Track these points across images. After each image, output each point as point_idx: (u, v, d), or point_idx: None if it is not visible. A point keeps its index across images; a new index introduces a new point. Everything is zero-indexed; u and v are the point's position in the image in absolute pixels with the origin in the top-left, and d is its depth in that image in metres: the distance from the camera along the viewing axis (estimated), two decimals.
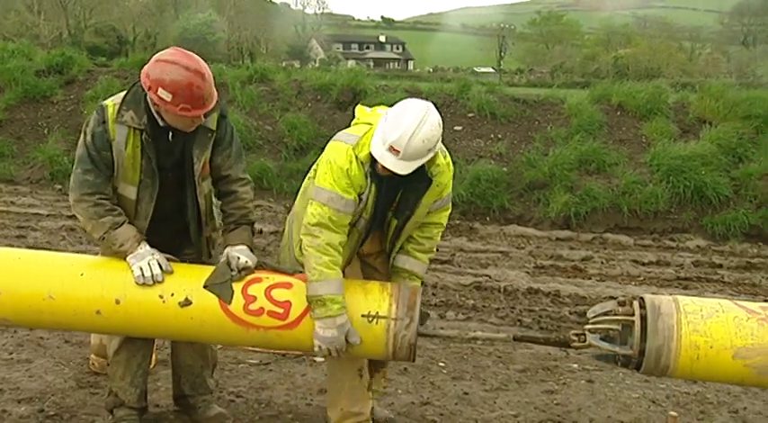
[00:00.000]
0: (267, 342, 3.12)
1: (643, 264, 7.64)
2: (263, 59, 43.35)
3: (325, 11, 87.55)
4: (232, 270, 3.13)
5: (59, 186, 10.10)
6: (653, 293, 3.26)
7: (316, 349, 2.98)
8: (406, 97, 11.64)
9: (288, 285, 3.06)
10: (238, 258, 3.17)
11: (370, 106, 3.36)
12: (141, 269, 3.07)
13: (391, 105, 3.05)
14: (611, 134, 10.41)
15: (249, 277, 3.11)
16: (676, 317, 2.84)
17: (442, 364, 4.72)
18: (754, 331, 2.76)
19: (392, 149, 2.86)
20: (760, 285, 7.05)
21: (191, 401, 3.62)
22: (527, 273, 7.08)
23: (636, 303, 2.96)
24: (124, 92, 3.19)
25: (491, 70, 66.54)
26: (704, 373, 2.85)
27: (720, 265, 7.70)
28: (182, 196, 3.30)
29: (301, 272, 3.10)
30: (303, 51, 65.72)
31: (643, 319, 2.89)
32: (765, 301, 6.34)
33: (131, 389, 3.43)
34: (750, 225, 8.84)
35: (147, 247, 3.15)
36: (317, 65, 50.27)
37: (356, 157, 2.99)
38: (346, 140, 3.07)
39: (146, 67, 3.04)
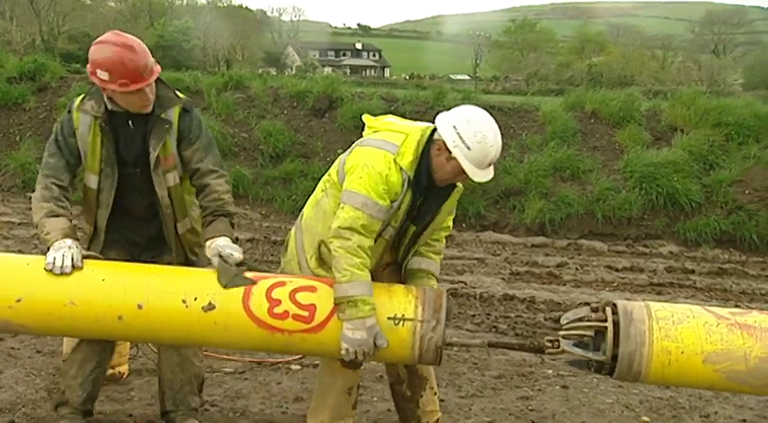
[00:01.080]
0: (291, 346, 3.06)
1: (617, 270, 7.72)
2: (239, 66, 43.19)
3: (302, 18, 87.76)
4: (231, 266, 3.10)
5: (31, 194, 9.97)
6: (626, 299, 3.29)
7: (343, 352, 2.92)
8: (382, 104, 11.71)
9: (312, 289, 3.01)
10: (232, 255, 3.13)
11: (375, 115, 3.35)
12: (54, 258, 3.03)
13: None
14: (585, 141, 10.52)
15: (273, 281, 3.06)
16: (648, 323, 2.87)
17: None
18: (723, 336, 2.80)
19: (487, 166, 3.00)
20: (731, 291, 7.15)
21: (171, 416, 3.56)
22: (503, 279, 7.12)
23: (608, 309, 2.98)
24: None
25: (467, 78, 66.95)
26: (675, 378, 2.88)
27: (693, 271, 7.80)
28: (151, 192, 3.33)
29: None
30: (279, 58, 65.59)
31: (615, 325, 2.91)
32: (736, 306, 6.44)
33: (79, 390, 3.37)
34: (721, 231, 8.97)
35: (70, 241, 3.10)
36: (293, 72, 50.20)
37: (395, 163, 2.98)
38: (382, 147, 3.04)
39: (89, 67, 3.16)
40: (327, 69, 56.05)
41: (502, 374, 4.75)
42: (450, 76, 67.55)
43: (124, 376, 4.23)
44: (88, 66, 3.12)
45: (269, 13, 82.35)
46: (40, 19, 46.00)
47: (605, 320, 2.95)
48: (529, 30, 73.63)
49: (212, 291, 3.01)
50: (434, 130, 3.06)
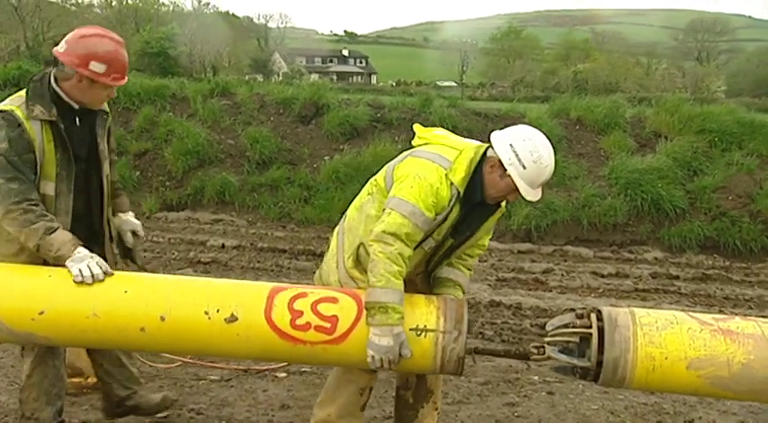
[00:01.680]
0: (313, 357, 3.05)
1: (602, 276, 7.76)
2: (225, 73, 43.16)
3: (288, 25, 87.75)
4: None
5: None
6: (611, 305, 3.31)
7: (369, 359, 2.91)
8: (368, 111, 11.71)
9: (334, 300, 3.01)
10: (139, 233, 3.62)
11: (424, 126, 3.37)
12: (80, 270, 2.99)
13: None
14: (570, 148, 10.58)
15: (295, 292, 3.06)
16: (632, 329, 2.88)
17: None
18: (707, 342, 2.82)
19: (539, 186, 3.03)
20: (715, 296, 7.20)
21: (130, 401, 3.63)
22: (489, 285, 7.14)
23: (593, 316, 3.00)
24: (15, 96, 3.19)
25: (454, 84, 67.17)
26: (660, 384, 2.90)
27: (677, 277, 7.85)
28: (90, 187, 3.36)
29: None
30: (266, 65, 65.54)
31: (600, 331, 2.93)
32: (720, 311, 6.50)
33: (47, 408, 3.36)
34: (705, 237, 9.04)
35: (85, 250, 3.07)
36: (280, 78, 50.16)
37: (446, 178, 3.01)
38: (435, 160, 3.06)
39: (64, 49, 3.09)
40: (314, 76, 56.10)
41: (488, 381, 4.76)
42: (437, 82, 67.81)
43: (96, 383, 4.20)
44: (75, 58, 3.05)
45: (255, 20, 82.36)
46: (24, 25, 45.73)
47: (590, 327, 2.96)
48: (515, 37, 74.02)
49: (235, 302, 3.00)
50: (488, 148, 3.09)
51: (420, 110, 11.45)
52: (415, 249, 3.05)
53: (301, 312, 2.97)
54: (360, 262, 3.17)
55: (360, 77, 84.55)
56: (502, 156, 2.98)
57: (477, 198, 3.08)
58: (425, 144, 3.21)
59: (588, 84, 47.84)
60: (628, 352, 2.85)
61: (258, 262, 7.76)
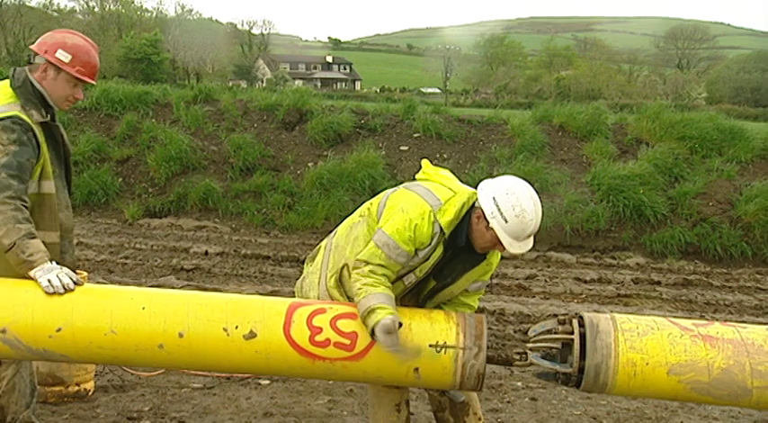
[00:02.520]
0: (333, 374, 3.02)
1: (585, 281, 7.80)
2: (209, 79, 43.05)
3: (272, 31, 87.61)
4: None
5: None
6: (594, 311, 3.32)
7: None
8: (352, 117, 11.74)
9: (353, 316, 2.97)
10: None
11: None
12: (50, 280, 2.96)
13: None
14: (553, 154, 10.64)
15: (314, 308, 3.03)
16: (614, 335, 2.89)
17: None
18: (687, 348, 2.84)
19: (526, 238, 3.00)
20: (696, 301, 7.26)
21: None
22: None
23: (575, 322, 3.01)
24: (2, 101, 3.21)
25: (437, 91, 67.38)
26: (641, 389, 2.91)
27: (659, 282, 7.91)
28: (70, 179, 3.50)
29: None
30: (250, 71, 65.42)
31: (582, 337, 2.94)
32: (701, 316, 6.55)
33: (26, 410, 3.42)
34: (686, 243, 9.12)
35: (55, 263, 3.06)
36: (263, 85, 50.09)
37: (434, 219, 3.00)
38: (425, 196, 3.06)
39: (40, 43, 3.27)
40: (298, 82, 56.02)
41: None
42: (421, 89, 67.97)
43: (89, 393, 4.17)
44: (44, 46, 3.21)
45: (239, 26, 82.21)
46: (5, 31, 45.42)
47: (572, 333, 2.98)
48: (498, 44, 74.38)
49: (253, 319, 2.97)
50: None
51: (404, 116, 11.48)
52: (394, 283, 3.05)
53: (320, 329, 2.94)
54: (342, 283, 3.17)
55: (344, 84, 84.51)
56: (485, 208, 2.97)
57: (462, 242, 3.07)
58: (426, 180, 3.22)
59: (571, 90, 48.18)
60: (609, 358, 2.86)
61: (242, 269, 7.74)
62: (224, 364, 3.07)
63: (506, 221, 2.93)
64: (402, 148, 10.85)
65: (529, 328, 3.25)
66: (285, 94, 12.70)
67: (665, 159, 10.18)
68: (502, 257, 3.29)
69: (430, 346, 2.91)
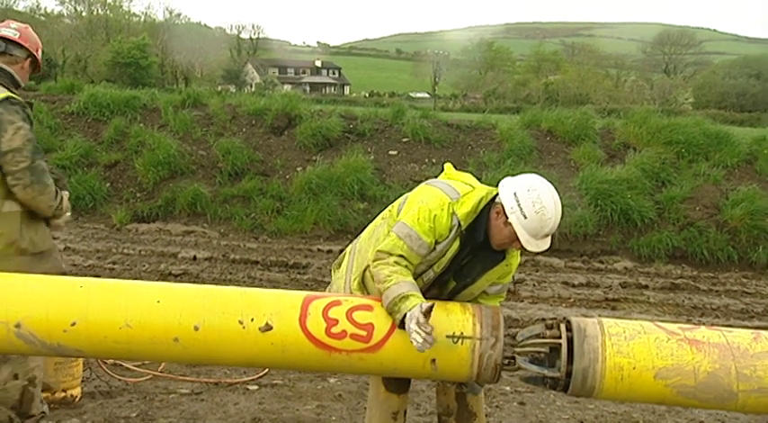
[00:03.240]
0: (349, 366, 2.99)
1: (573, 285, 7.83)
2: (198, 84, 42.93)
3: (261, 35, 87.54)
4: None
5: None
6: (582, 315, 3.34)
7: (417, 346, 2.78)
8: (341, 122, 11.76)
9: (369, 308, 2.96)
10: None
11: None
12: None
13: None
14: (541, 159, 10.69)
15: (329, 300, 3.02)
16: (601, 339, 2.91)
17: None
18: (673, 352, 2.85)
19: (544, 236, 2.98)
20: (683, 305, 7.31)
21: None
22: None
23: (563, 326, 3.02)
24: None
25: (426, 95, 67.51)
26: (628, 393, 2.92)
27: (646, 286, 7.95)
28: None
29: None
30: (239, 76, 65.33)
31: (569, 341, 2.95)
32: (688, 320, 6.59)
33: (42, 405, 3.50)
34: (674, 247, 9.18)
35: None
36: (252, 89, 50.03)
37: (452, 210, 3.02)
38: (445, 190, 3.09)
39: (18, 35, 3.43)
40: (287, 87, 56.01)
41: None
42: (410, 93, 68.07)
43: (76, 399, 4.14)
44: (34, 44, 3.48)
45: (228, 31, 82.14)
46: None
47: (560, 337, 2.99)
48: (486, 49, 74.66)
49: (269, 311, 2.95)
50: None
51: (392, 121, 11.50)
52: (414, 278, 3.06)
53: (336, 320, 2.92)
54: (364, 285, 3.19)
55: (333, 88, 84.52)
56: (505, 203, 2.98)
57: (480, 238, 3.07)
58: (447, 179, 3.26)
59: (559, 95, 48.39)
60: (596, 362, 2.87)
61: (230, 274, 7.72)
62: (239, 357, 3.04)
63: (525, 217, 2.93)
64: (391, 152, 10.87)
65: (517, 333, 3.25)
66: (274, 98, 12.68)
67: (652, 164, 10.25)
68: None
69: (446, 336, 2.89)
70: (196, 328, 2.91)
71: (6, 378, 3.36)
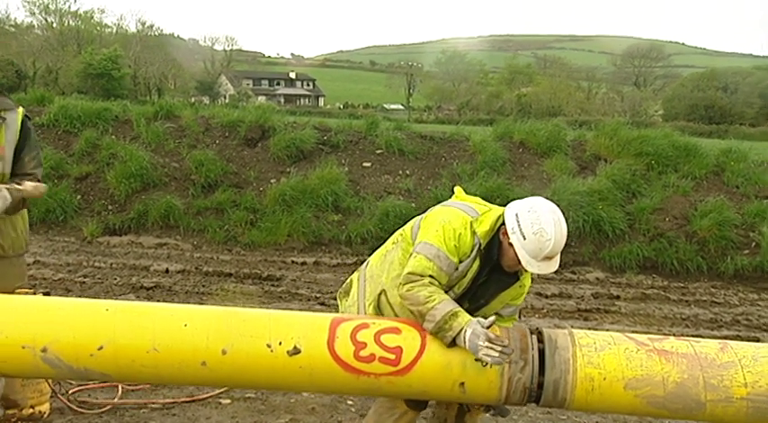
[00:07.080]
0: (377, 390, 2.98)
1: (546, 296, 7.88)
2: (171, 95, 42.65)
3: (235, 47, 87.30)
4: None
5: None
6: (555, 326, 3.37)
7: (488, 360, 2.79)
8: (315, 134, 11.73)
9: (397, 331, 2.96)
10: None
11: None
12: None
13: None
14: (514, 170, 10.77)
15: (357, 322, 3.00)
16: (572, 350, 2.94)
17: (350, 402, 4.71)
18: (643, 362, 2.89)
19: (546, 259, 2.97)
20: (653, 316, 7.39)
21: None
22: None
23: (534, 337, 3.05)
24: None
25: (401, 107, 67.80)
26: (599, 404, 2.96)
27: (618, 297, 8.03)
28: None
29: None
30: (213, 87, 65.07)
31: (541, 353, 2.98)
32: (659, 330, 6.67)
33: None
34: (644, 257, 9.29)
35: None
36: (226, 101, 49.85)
37: (474, 229, 3.04)
38: (465, 210, 3.11)
39: None
40: (261, 98, 55.89)
41: (435, 402, 4.76)
42: (384, 105, 68.31)
43: (45, 416, 4.07)
44: None
45: (201, 43, 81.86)
46: None
47: (531, 348, 3.01)
48: (459, 61, 75.24)
49: (297, 334, 2.93)
50: None
51: (366, 133, 11.52)
52: None
53: (365, 344, 2.91)
54: (380, 310, 3.18)
55: (307, 100, 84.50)
56: (507, 223, 3.02)
57: (494, 258, 3.10)
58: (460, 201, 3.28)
59: (532, 107, 48.87)
60: (568, 373, 2.90)
61: (203, 286, 7.66)
62: (267, 381, 3.03)
63: (525, 238, 2.96)
64: (365, 164, 10.88)
65: None
66: (247, 110, 12.64)
67: (622, 175, 10.38)
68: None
69: (476, 360, 2.89)
70: (224, 352, 2.90)
71: None
